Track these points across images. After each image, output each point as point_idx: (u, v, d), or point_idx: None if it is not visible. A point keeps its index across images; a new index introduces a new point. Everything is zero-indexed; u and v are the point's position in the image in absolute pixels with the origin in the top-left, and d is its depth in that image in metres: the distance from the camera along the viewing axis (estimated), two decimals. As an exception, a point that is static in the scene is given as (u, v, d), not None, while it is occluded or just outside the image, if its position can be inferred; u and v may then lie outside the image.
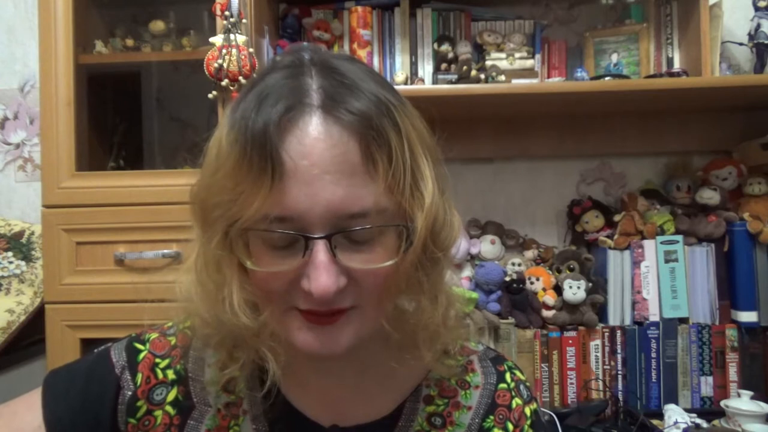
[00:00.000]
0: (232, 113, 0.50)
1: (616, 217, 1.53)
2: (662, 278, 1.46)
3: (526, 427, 0.61)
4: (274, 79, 0.50)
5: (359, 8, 1.51)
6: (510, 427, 0.61)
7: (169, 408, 0.59)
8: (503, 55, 1.51)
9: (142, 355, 0.60)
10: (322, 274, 0.46)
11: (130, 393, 0.58)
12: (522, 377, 0.65)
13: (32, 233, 1.55)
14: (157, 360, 0.60)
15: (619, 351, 1.44)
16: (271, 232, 0.47)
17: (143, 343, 0.61)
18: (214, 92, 1.22)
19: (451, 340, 0.58)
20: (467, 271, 1.54)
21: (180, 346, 0.61)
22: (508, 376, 0.64)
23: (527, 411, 0.62)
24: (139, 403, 0.58)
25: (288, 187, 0.46)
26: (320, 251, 0.47)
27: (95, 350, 0.63)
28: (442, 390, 0.62)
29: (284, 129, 0.46)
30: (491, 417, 0.61)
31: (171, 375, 0.60)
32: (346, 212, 0.47)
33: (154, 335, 0.62)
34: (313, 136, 0.47)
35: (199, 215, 0.52)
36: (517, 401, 0.62)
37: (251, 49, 1.22)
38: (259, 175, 0.46)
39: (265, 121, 0.46)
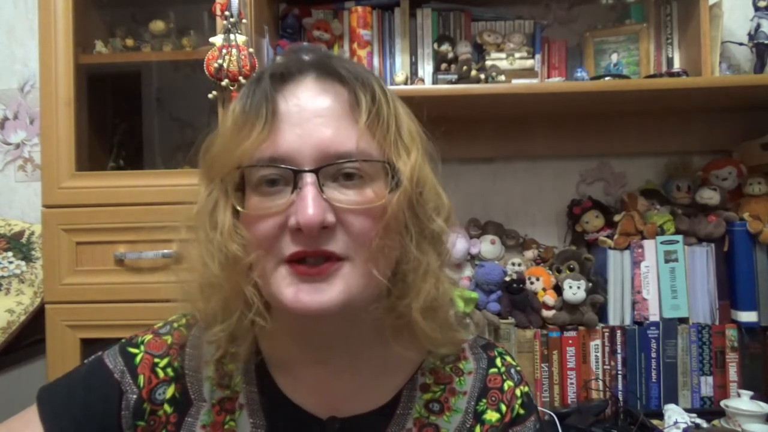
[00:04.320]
0: (238, 95, 0.56)
1: (616, 217, 1.53)
2: (662, 278, 1.46)
3: (517, 406, 0.63)
4: (274, 65, 0.56)
5: (359, 8, 1.51)
6: (503, 408, 0.62)
7: (166, 406, 0.59)
8: (503, 55, 1.51)
9: (139, 358, 0.60)
10: (309, 205, 0.48)
11: (134, 396, 0.58)
12: (513, 362, 0.66)
13: (32, 233, 1.55)
14: (156, 360, 0.60)
15: (619, 351, 1.44)
16: (262, 168, 0.51)
17: (137, 346, 0.61)
18: (214, 92, 1.22)
19: (448, 309, 0.58)
20: (467, 271, 1.54)
21: (176, 344, 0.61)
22: (498, 360, 0.65)
23: (518, 392, 0.63)
24: (144, 405, 0.58)
25: (280, 128, 0.51)
26: (308, 185, 0.49)
27: (86, 361, 0.62)
28: (437, 378, 0.62)
29: (280, 79, 0.54)
30: (484, 400, 0.62)
31: (171, 372, 0.60)
32: (334, 152, 0.51)
33: (147, 337, 0.62)
34: (306, 84, 0.53)
35: (205, 173, 0.55)
36: (508, 383, 0.63)
37: (251, 49, 1.22)
38: (255, 119, 0.51)
39: (265, 84, 0.53)
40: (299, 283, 0.50)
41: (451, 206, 0.57)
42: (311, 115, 0.51)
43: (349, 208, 0.50)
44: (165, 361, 0.60)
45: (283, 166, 0.50)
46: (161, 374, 0.60)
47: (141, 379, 0.59)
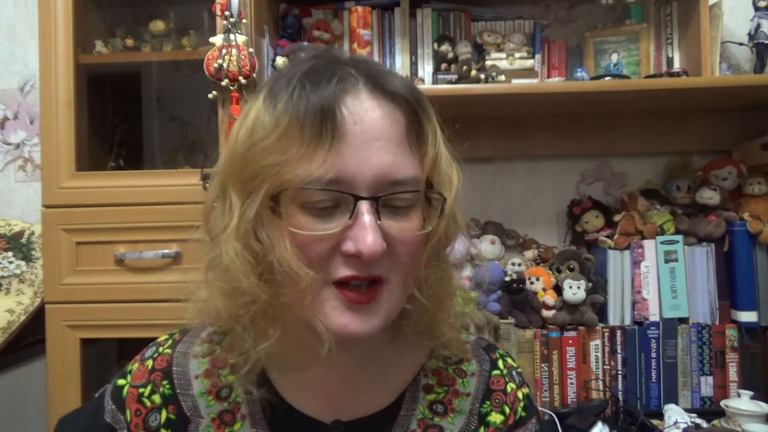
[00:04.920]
0: (271, 95, 0.52)
1: (616, 217, 1.53)
2: (662, 278, 1.46)
3: (519, 409, 0.63)
4: (312, 65, 0.53)
5: (359, 8, 1.51)
6: (506, 410, 0.63)
7: (164, 431, 0.59)
8: (503, 55, 1.51)
9: (125, 392, 0.61)
10: (371, 234, 0.48)
11: (125, 431, 0.60)
12: (513, 364, 0.67)
13: (32, 233, 1.55)
14: (141, 390, 0.60)
15: (619, 351, 1.44)
16: (324, 191, 0.49)
17: (124, 376, 0.62)
18: (214, 92, 1.22)
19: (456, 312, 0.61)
20: (467, 271, 1.54)
21: (158, 369, 0.61)
22: (500, 362, 0.66)
23: (520, 394, 0.64)
24: None
25: (341, 150, 0.49)
26: (367, 213, 0.49)
27: (96, 394, 0.64)
28: (440, 379, 0.63)
29: (339, 97, 0.50)
30: (488, 402, 0.62)
31: (158, 399, 0.60)
32: (392, 178, 0.50)
33: (135, 366, 0.63)
34: (365, 105, 0.51)
35: (238, 185, 0.52)
36: (511, 386, 0.64)
37: (251, 49, 1.22)
38: (313, 138, 0.48)
39: (321, 92, 0.50)
40: (346, 309, 0.50)
41: (465, 224, 0.58)
42: (372, 138, 0.50)
43: (402, 237, 0.51)
44: (148, 389, 0.60)
45: (344, 191, 0.49)
46: (148, 403, 0.60)
47: (128, 413, 0.60)
